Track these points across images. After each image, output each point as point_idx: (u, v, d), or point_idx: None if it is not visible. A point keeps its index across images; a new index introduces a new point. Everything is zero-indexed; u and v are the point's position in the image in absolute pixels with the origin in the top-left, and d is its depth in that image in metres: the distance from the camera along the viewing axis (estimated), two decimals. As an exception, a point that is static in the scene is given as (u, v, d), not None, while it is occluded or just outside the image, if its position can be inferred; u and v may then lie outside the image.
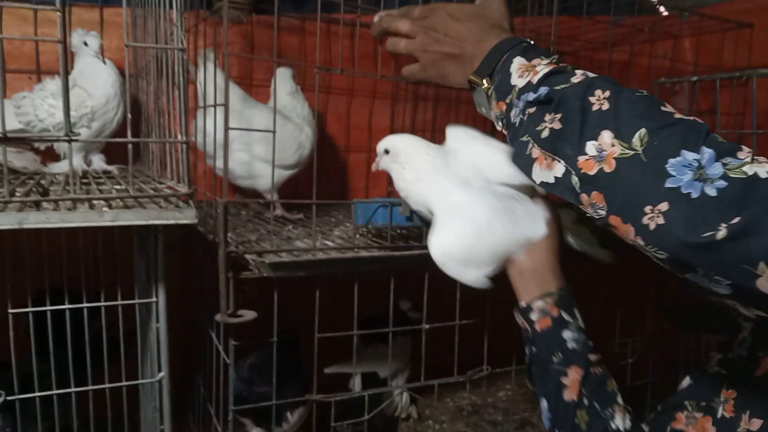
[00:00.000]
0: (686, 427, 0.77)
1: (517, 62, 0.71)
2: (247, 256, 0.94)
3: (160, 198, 0.89)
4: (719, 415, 0.73)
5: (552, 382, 0.76)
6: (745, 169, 0.52)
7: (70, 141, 0.74)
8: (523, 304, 0.80)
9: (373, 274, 1.03)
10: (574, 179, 0.61)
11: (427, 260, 0.88)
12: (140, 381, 1.00)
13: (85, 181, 1.08)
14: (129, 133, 0.80)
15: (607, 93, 0.61)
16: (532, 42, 0.75)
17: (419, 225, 1.05)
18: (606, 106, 0.60)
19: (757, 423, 0.70)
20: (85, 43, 1.20)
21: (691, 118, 0.58)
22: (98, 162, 1.26)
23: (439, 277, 0.83)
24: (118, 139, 0.83)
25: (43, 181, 1.05)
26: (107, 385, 0.95)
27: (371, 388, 1.24)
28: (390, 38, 0.88)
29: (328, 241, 1.11)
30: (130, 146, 0.78)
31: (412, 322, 1.34)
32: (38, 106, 1.16)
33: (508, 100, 0.72)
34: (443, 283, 1.05)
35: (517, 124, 0.70)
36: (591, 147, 0.59)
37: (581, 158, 0.60)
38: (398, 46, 0.87)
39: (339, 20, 1.24)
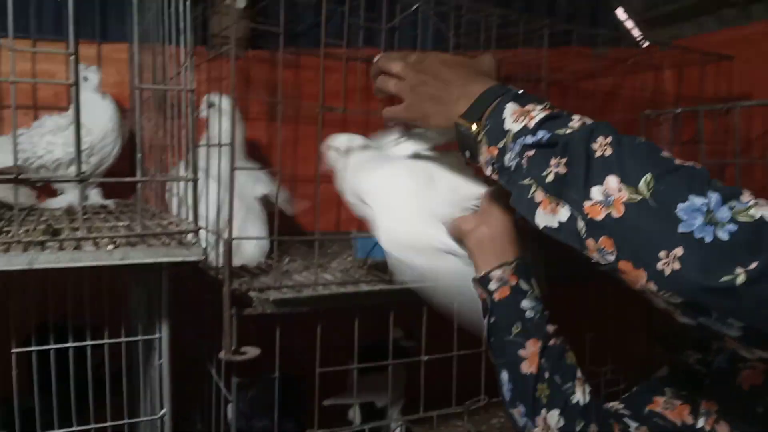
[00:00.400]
0: (664, 411, 0.79)
1: (510, 107, 0.72)
2: (251, 294, 0.94)
3: (163, 235, 0.89)
4: (699, 426, 0.75)
5: (510, 353, 0.77)
6: (751, 212, 0.54)
7: (80, 181, 0.75)
8: (481, 273, 0.82)
9: (374, 308, 1.04)
10: (580, 224, 0.62)
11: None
12: (142, 419, 0.99)
13: (85, 216, 1.08)
14: (139, 172, 0.80)
15: (609, 139, 0.62)
16: (522, 91, 0.76)
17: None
18: (609, 151, 0.62)
19: None
20: (85, 78, 1.21)
21: (690, 163, 0.60)
22: (95, 196, 1.27)
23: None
24: (128, 179, 0.84)
25: (42, 218, 1.05)
26: (109, 423, 0.94)
27: (368, 418, 1.24)
28: (381, 76, 0.89)
29: (326, 274, 1.11)
30: (139, 185, 0.79)
31: (405, 349, 1.34)
32: (36, 143, 1.17)
33: (501, 145, 0.72)
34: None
35: (513, 168, 0.71)
36: (597, 192, 0.60)
37: (587, 203, 0.61)
38: (387, 85, 0.88)
39: (334, 55, 1.26)
